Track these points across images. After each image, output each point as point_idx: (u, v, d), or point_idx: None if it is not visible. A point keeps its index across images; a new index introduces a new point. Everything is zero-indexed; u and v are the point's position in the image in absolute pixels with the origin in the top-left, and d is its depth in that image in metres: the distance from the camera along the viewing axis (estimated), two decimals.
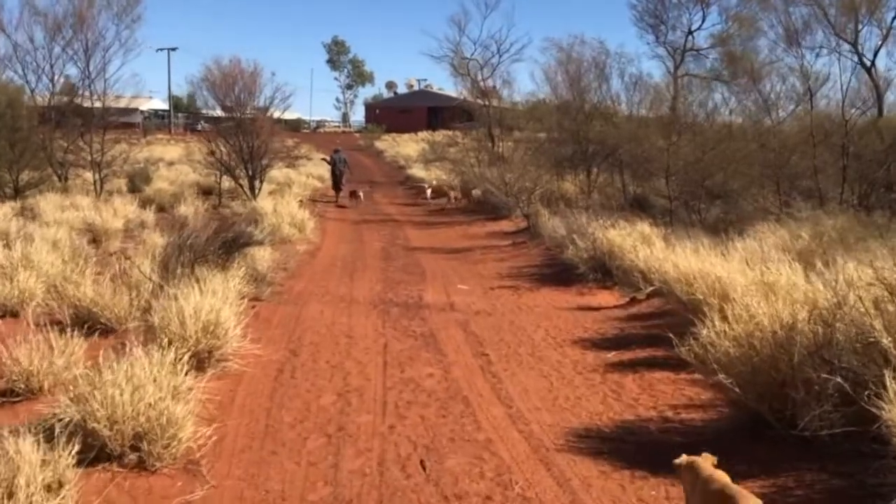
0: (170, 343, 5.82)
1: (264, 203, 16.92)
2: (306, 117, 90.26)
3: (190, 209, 16.37)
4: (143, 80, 31.49)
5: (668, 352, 6.66)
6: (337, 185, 24.35)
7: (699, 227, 14.06)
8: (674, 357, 6.27)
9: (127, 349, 5.53)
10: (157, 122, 79.01)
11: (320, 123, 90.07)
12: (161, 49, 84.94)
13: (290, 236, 14.46)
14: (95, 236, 13.77)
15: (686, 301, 7.66)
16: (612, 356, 7.37)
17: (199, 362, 6.28)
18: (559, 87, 23.14)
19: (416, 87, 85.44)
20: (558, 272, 11.61)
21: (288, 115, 79.51)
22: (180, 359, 5.45)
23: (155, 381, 5.09)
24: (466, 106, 37.53)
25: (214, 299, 6.97)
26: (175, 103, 76.53)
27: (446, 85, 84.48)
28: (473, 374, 6.87)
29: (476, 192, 24.06)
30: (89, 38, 21.52)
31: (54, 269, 9.29)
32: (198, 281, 8.22)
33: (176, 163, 35.37)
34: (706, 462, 3.90)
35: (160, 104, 78.75)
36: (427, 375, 6.76)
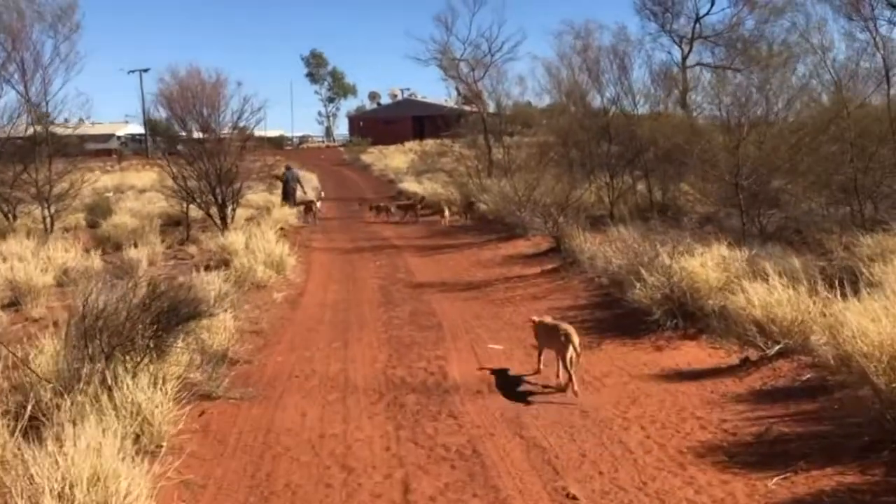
0: None
1: (234, 238, 14.01)
2: (288, 133, 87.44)
3: (144, 251, 13.44)
4: (91, 101, 28.10)
5: (864, 470, 3.93)
6: (287, 202, 22.65)
7: (766, 240, 11.33)
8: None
9: None
10: (136, 147, 76.14)
11: (303, 139, 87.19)
12: (133, 71, 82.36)
13: (265, 280, 11.56)
14: (18, 296, 10.87)
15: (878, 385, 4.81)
16: (774, 485, 4.54)
17: None
18: (568, 83, 20.40)
19: (400, 97, 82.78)
20: (618, 317, 8.76)
21: (270, 132, 77.24)
22: None
23: None
24: (459, 112, 34.93)
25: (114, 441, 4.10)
26: (153, 126, 73.65)
27: (432, 92, 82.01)
28: None
29: (482, 207, 21.28)
30: (24, 56, 18.64)
31: None
32: (110, 389, 5.39)
33: (148, 190, 32.43)
34: (546, 318, 7.24)
35: (138, 128, 75.88)
36: None
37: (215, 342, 7.40)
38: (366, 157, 54.41)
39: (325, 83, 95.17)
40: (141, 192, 32.53)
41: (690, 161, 16.38)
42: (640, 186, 19.41)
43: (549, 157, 17.57)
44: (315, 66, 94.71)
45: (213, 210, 17.56)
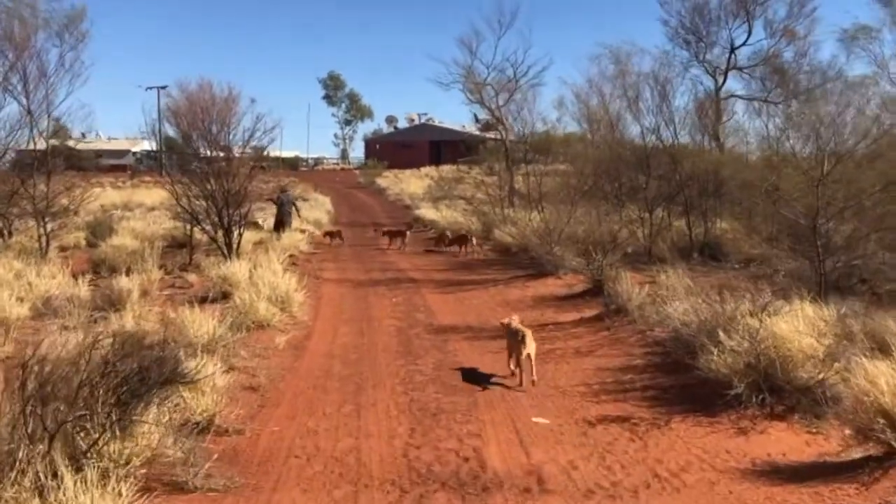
0: None
1: (237, 268, 12.69)
2: (304, 154, 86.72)
3: (136, 279, 12.12)
4: (94, 113, 26.86)
5: None
6: (278, 228, 21.11)
7: (831, 290, 9.90)
8: None
9: None
10: (151, 164, 75.49)
11: (318, 160, 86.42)
12: (150, 87, 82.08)
13: (268, 319, 10.19)
14: None
15: None
16: None
17: None
18: (601, 109, 19.12)
19: (417, 121, 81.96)
20: (687, 386, 7.28)
21: (285, 153, 76.51)
22: None
23: None
24: (479, 138, 33.76)
25: None
26: (170, 144, 73.09)
27: (449, 117, 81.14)
28: None
29: (506, 239, 19.94)
30: (27, 65, 17.52)
31: None
32: (41, 492, 4.03)
33: (157, 208, 31.34)
34: (514, 321, 8.08)
35: (154, 145, 75.22)
36: None
37: (199, 407, 6.02)
38: (381, 181, 53.31)
39: (343, 105, 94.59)
40: (150, 209, 31.46)
41: (744, 197, 15.06)
42: (676, 222, 18.07)
43: (581, 187, 16.11)
44: (333, 89, 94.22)
45: (220, 233, 16.25)
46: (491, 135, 38.93)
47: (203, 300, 12.12)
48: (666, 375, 7.70)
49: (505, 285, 14.63)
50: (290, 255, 17.99)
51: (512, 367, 7.86)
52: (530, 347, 7.52)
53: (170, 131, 16.88)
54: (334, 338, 10.10)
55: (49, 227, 17.43)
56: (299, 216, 22.71)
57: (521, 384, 7.52)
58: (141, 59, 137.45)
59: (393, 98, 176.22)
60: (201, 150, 15.98)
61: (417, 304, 12.89)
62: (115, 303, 11.09)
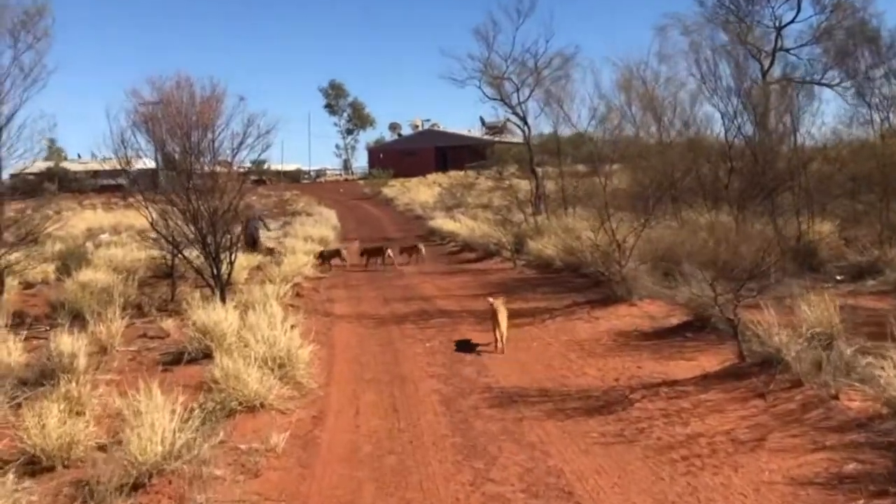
0: None
1: (222, 314, 9.59)
2: (305, 167, 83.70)
3: (87, 335, 9.01)
4: (56, 125, 23.17)
5: None
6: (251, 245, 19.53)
7: None
8: None
9: None
10: (147, 183, 72.41)
11: (320, 172, 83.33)
12: (144, 103, 79.08)
13: (261, 396, 7.05)
14: None
15: None
16: None
17: None
18: (661, 97, 16.04)
19: (421, 128, 78.93)
20: None
21: (287, 166, 73.46)
22: None
23: None
24: (488, 142, 30.72)
25: None
26: (170, 159, 69.95)
27: (453, 123, 78.06)
28: None
29: (545, 252, 16.91)
30: None
31: None
32: None
33: (148, 230, 28.24)
34: (497, 300, 9.64)
35: (151, 163, 72.34)
36: None
37: None
38: (387, 191, 50.28)
39: (345, 115, 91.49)
40: (139, 232, 28.54)
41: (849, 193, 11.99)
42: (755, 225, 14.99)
43: (660, 187, 12.89)
44: (334, 97, 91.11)
45: (208, 261, 13.12)
46: (506, 136, 36.09)
47: (177, 360, 9.08)
48: None
49: (564, 316, 11.53)
50: (294, 285, 14.94)
51: (498, 339, 9.50)
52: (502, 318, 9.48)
53: (139, 140, 13.66)
54: (357, 421, 6.97)
55: (2, 261, 14.33)
56: (268, 229, 22.94)
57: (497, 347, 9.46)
58: (131, 73, 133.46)
59: (394, 105, 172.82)
60: (178, 161, 12.89)
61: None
62: (54, 372, 8.03)
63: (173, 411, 5.52)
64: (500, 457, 5.83)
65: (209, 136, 13.16)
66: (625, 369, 8.26)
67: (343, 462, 5.87)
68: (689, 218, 14.27)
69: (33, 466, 5.63)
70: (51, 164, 64.41)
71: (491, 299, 9.82)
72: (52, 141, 73.70)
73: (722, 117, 14.53)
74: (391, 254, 19.49)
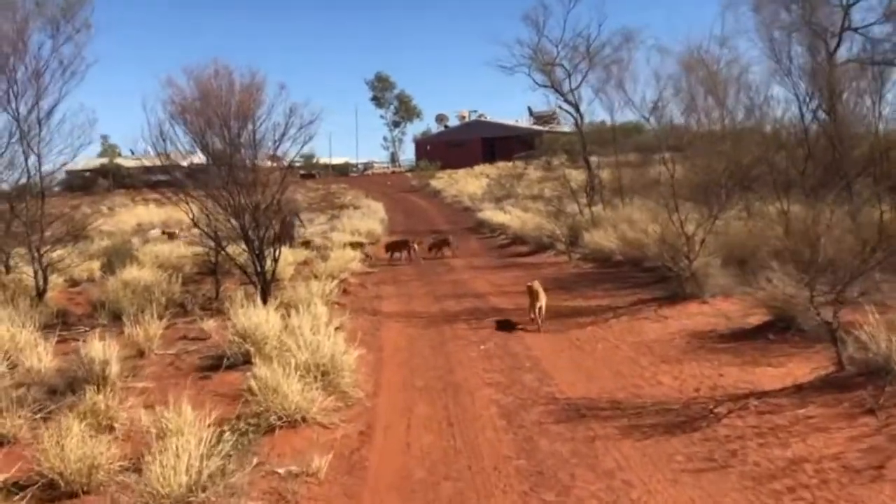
0: None
1: (263, 316, 8.99)
2: (353, 160, 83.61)
3: (112, 345, 8.49)
4: (96, 117, 22.42)
5: None
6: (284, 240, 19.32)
7: None
8: None
9: None
10: (205, 178, 73.01)
11: (368, 165, 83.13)
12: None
13: (304, 410, 6.39)
14: None
15: None
16: None
17: None
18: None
19: (468, 119, 78.05)
20: None
21: (335, 160, 73.38)
22: None
23: None
24: (536, 132, 29.71)
25: None
26: (220, 155, 70.44)
27: (500, 114, 76.87)
28: None
29: (605, 246, 16.01)
30: (16, 62, 14.10)
31: None
32: None
33: (190, 226, 28.16)
34: (536, 284, 10.26)
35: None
36: None
37: None
38: (435, 183, 49.62)
39: (391, 107, 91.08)
40: (189, 227, 28.48)
41: None
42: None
43: (733, 175, 11.82)
44: (381, 90, 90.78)
45: (252, 258, 12.58)
46: (555, 125, 34.92)
47: (216, 366, 8.52)
48: None
49: (629, 315, 10.65)
50: (341, 281, 14.35)
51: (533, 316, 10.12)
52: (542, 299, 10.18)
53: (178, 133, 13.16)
54: (408, 437, 6.26)
55: (45, 259, 14.02)
56: (304, 227, 23.26)
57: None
58: (176, 67, 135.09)
59: (440, 96, 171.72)
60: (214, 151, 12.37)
61: (517, 352, 9.03)
62: (85, 380, 7.52)
63: (200, 439, 4.86)
64: (574, 487, 5.05)
65: (249, 126, 12.67)
66: (704, 377, 7.38)
67: (393, 490, 5.17)
68: (759, 209, 13.19)
69: (52, 492, 5.08)
70: (105, 160, 65.57)
71: (529, 283, 10.59)
72: (105, 137, 75.22)
73: (797, 99, 13.40)
74: (416, 248, 19.06)
